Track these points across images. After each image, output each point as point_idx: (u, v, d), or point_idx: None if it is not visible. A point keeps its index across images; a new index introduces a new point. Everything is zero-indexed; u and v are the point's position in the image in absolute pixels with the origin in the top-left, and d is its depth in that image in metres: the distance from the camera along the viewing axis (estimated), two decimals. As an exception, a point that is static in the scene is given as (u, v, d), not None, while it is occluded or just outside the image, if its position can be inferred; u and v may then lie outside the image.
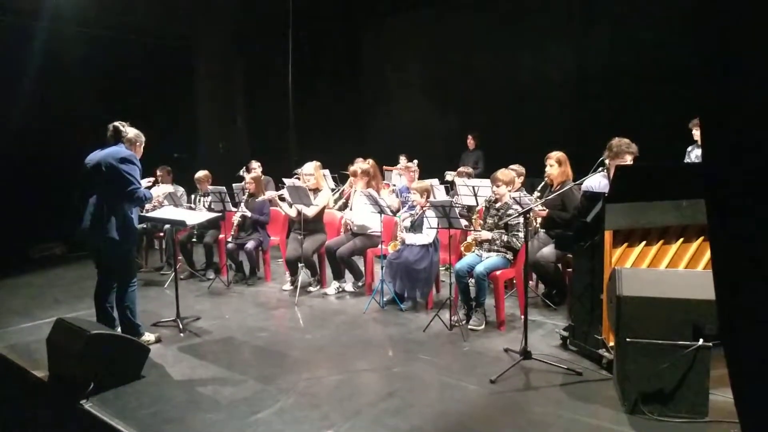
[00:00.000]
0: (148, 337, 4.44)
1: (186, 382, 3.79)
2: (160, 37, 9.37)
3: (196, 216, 5.30)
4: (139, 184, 4.16)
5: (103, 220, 4.08)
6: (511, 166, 5.77)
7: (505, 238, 4.81)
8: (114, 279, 4.28)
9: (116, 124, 4.29)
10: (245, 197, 6.56)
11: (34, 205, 7.55)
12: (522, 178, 6.11)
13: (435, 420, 3.20)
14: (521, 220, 4.62)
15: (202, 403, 3.47)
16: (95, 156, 4.17)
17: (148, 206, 6.87)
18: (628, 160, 4.47)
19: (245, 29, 10.95)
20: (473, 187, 6.04)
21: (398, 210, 6.38)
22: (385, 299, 5.44)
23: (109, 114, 4.63)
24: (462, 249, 5.05)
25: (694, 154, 6.23)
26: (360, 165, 6.14)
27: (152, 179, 4.81)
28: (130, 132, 4.34)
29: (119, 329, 4.23)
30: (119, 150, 4.17)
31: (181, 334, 4.69)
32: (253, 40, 11.12)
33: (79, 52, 8.27)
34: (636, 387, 3.16)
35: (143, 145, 4.44)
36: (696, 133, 6.08)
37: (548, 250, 5.03)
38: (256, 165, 8.51)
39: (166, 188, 4.95)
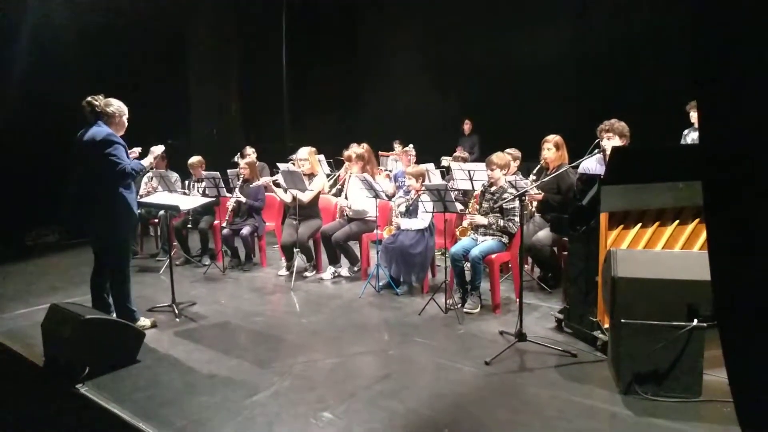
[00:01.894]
0: (144, 322, 4.43)
1: (182, 366, 3.79)
2: (152, 21, 9.25)
3: (189, 201, 5.28)
4: (125, 160, 4.02)
5: (96, 204, 4.04)
6: (507, 150, 5.75)
7: (501, 222, 4.81)
8: (109, 264, 4.24)
9: (89, 99, 4.07)
10: (240, 183, 6.54)
11: (29, 191, 7.49)
12: (518, 161, 6.10)
13: (430, 401, 3.21)
14: (517, 203, 4.61)
15: (197, 386, 3.47)
16: (80, 138, 4.05)
17: (142, 191, 6.86)
18: (623, 142, 4.47)
19: (239, 14, 10.84)
20: (469, 171, 6.02)
21: (393, 195, 6.36)
22: (380, 284, 5.44)
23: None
24: (457, 233, 5.05)
25: (690, 137, 6.22)
26: (355, 149, 6.11)
27: (139, 149, 4.52)
28: (110, 106, 4.09)
29: (114, 315, 4.22)
30: (98, 132, 3.99)
31: (177, 319, 4.68)
32: (247, 24, 11.01)
33: (71, 37, 8.16)
34: (630, 368, 3.17)
35: (125, 116, 4.17)
36: (693, 116, 6.06)
37: (544, 234, 5.03)
38: (250, 151, 8.47)
39: (157, 149, 4.56)
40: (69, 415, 3.40)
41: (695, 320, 3.06)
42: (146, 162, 4.38)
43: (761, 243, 1.20)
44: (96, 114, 4.07)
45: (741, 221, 1.25)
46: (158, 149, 4.55)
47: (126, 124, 4.22)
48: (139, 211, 6.67)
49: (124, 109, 4.19)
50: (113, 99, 4.17)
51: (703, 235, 3.87)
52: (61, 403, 3.51)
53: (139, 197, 6.38)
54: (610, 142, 4.42)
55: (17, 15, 7.71)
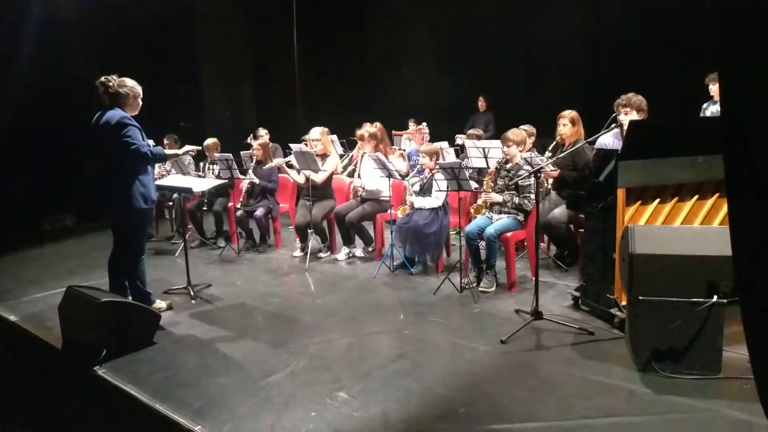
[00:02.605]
0: (160, 304, 4.46)
1: (198, 348, 3.82)
2: (162, 4, 9.21)
3: (202, 183, 5.27)
4: (140, 141, 3.97)
5: (112, 186, 4.04)
6: (522, 126, 5.66)
7: (516, 200, 4.75)
8: (125, 247, 4.24)
9: (102, 80, 4.01)
10: (253, 164, 6.52)
11: (45, 176, 7.55)
12: (533, 138, 6.01)
13: (446, 380, 3.20)
14: (532, 180, 4.54)
15: (213, 367, 3.49)
16: (96, 123, 4.03)
17: (155, 174, 6.87)
18: (640, 116, 4.37)
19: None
20: (484, 149, 5.94)
21: (407, 174, 6.31)
22: (395, 263, 5.42)
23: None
24: (472, 212, 4.99)
25: (710, 111, 6.06)
26: (367, 128, 6.05)
27: (151, 142, 4.53)
28: (123, 87, 4.04)
29: (130, 298, 4.24)
30: (112, 115, 3.95)
31: (193, 301, 4.71)
32: (257, 6, 10.91)
33: (84, 21, 8.15)
34: (648, 345, 3.13)
35: (139, 97, 4.12)
36: (713, 89, 5.90)
37: (560, 211, 4.96)
38: (263, 132, 8.45)
39: (190, 148, 4.58)
40: (87, 397, 3.45)
41: (715, 296, 3.00)
42: (170, 151, 4.36)
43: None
44: (110, 95, 4.02)
45: (764, 196, 1.20)
46: (190, 148, 4.54)
47: (140, 104, 4.16)
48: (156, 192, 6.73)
49: (138, 89, 4.13)
50: (127, 78, 4.11)
51: (724, 211, 3.78)
52: (79, 384, 3.56)
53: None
54: (628, 117, 4.32)
55: (29, 6, 7.71)
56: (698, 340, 3.05)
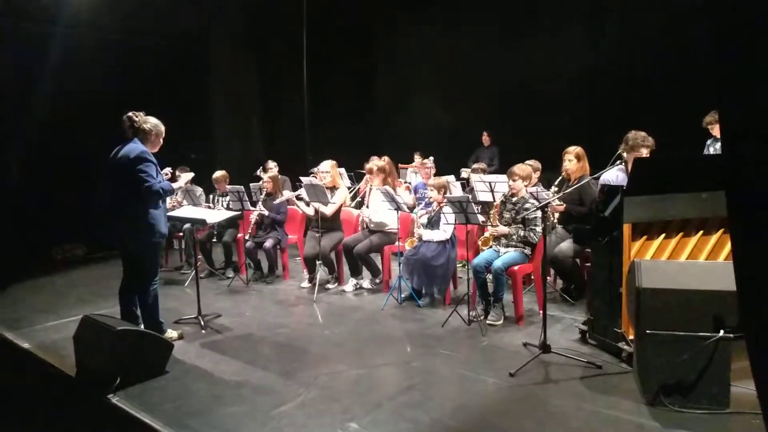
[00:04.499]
0: (171, 333, 4.51)
1: (209, 377, 3.86)
2: (172, 38, 9.47)
3: (216, 215, 5.37)
4: (155, 178, 4.12)
5: (125, 217, 4.15)
6: (528, 162, 5.77)
7: (521, 233, 4.82)
8: (137, 277, 4.33)
9: (129, 114, 4.22)
10: (263, 196, 6.63)
11: (57, 206, 7.68)
12: (538, 173, 6.11)
13: (455, 413, 3.22)
14: (539, 213, 4.63)
15: (225, 397, 3.53)
16: (115, 154, 4.20)
17: (167, 206, 6.99)
18: (645, 153, 4.47)
19: (258, 29, 11.04)
20: (490, 183, 6.04)
21: (414, 206, 6.40)
22: (402, 296, 5.47)
23: (126, 113, 4.64)
24: (479, 244, 5.06)
25: (713, 148, 6.16)
26: (376, 162, 6.17)
27: (170, 170, 4.82)
28: (147, 123, 4.25)
29: (142, 326, 4.30)
30: (132, 149, 4.12)
31: (203, 331, 4.76)
32: (267, 40, 11.20)
33: (95, 55, 8.37)
34: (656, 379, 3.16)
35: (161, 136, 4.34)
36: (712, 130, 6.01)
37: (566, 245, 5.03)
38: (272, 165, 8.60)
39: (186, 176, 4.91)
40: (101, 425, 3.48)
41: (722, 331, 3.05)
42: (176, 185, 4.58)
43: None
44: (134, 129, 4.22)
45: (767, 231, 1.25)
46: (187, 176, 4.95)
47: (161, 143, 4.38)
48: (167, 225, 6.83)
49: (161, 128, 4.35)
50: (152, 117, 4.33)
51: (728, 247, 3.85)
52: (93, 413, 3.59)
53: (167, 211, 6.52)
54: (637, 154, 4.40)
55: (43, 34, 7.94)
56: (706, 375, 3.08)
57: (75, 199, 7.69)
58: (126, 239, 4.25)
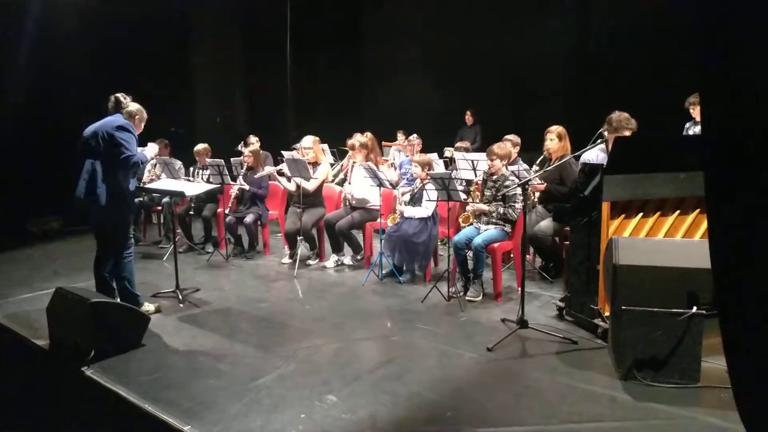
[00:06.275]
0: (148, 307, 4.47)
1: (186, 350, 3.84)
2: (155, 8, 9.24)
3: (194, 187, 5.31)
4: (133, 150, 4.13)
5: (96, 187, 4.08)
6: (506, 137, 5.78)
7: (501, 210, 4.83)
8: (111, 249, 4.28)
9: (118, 95, 4.29)
10: (244, 171, 6.56)
11: (32, 179, 7.52)
12: (518, 147, 6.09)
13: (433, 385, 3.25)
14: (518, 191, 4.64)
15: (202, 369, 3.51)
16: (93, 126, 4.18)
17: (145, 178, 6.90)
18: (627, 135, 4.48)
19: (243, 3, 10.82)
20: (473, 161, 6.04)
21: (397, 183, 6.39)
22: (383, 272, 5.47)
23: (105, 87, 4.57)
24: (460, 221, 5.07)
25: (692, 131, 6.21)
26: (358, 138, 6.13)
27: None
28: (132, 105, 4.32)
29: (118, 299, 4.25)
30: (116, 118, 4.17)
31: (181, 305, 4.73)
32: (251, 12, 10.99)
33: (74, 25, 8.17)
34: (630, 354, 3.21)
35: (143, 121, 4.40)
36: (693, 112, 6.04)
37: (546, 224, 5.06)
38: (254, 139, 8.47)
39: (153, 148, 4.81)
40: (76, 397, 3.45)
41: (695, 308, 3.10)
42: (147, 154, 4.56)
43: (762, 233, 1.21)
44: (117, 109, 4.26)
45: (742, 211, 1.26)
46: (154, 147, 4.80)
47: (142, 127, 4.40)
48: (141, 198, 6.73)
49: (144, 114, 4.41)
50: (137, 103, 4.37)
51: (704, 226, 3.90)
52: (67, 385, 3.56)
53: (142, 184, 6.44)
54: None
55: (21, 9, 7.71)
56: (678, 350, 3.14)
57: (50, 171, 7.53)
58: (98, 210, 4.17)
